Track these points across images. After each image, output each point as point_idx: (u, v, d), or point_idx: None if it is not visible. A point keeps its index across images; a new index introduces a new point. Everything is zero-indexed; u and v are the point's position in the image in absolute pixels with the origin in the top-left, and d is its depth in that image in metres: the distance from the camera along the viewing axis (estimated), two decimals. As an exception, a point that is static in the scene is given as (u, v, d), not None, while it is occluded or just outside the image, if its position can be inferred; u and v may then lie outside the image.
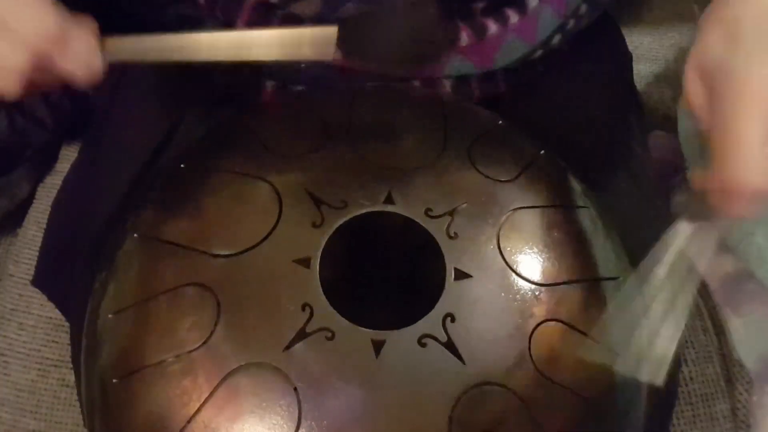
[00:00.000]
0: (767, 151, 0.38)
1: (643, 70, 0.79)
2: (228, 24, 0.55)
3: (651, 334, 0.41)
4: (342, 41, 0.42)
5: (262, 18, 0.54)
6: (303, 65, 0.54)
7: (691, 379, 0.62)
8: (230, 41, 0.44)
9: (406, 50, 0.44)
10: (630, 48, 0.69)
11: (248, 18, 0.54)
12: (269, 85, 0.56)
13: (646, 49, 0.81)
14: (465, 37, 0.54)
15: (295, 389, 0.38)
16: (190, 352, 0.40)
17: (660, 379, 0.41)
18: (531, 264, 0.44)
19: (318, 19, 0.53)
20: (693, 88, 0.42)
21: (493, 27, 0.55)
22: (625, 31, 0.69)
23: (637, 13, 0.83)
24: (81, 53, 0.41)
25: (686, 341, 0.63)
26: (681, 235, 0.42)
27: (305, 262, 0.41)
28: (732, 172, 0.39)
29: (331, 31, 0.43)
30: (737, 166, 0.38)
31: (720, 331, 0.64)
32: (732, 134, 0.39)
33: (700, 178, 0.42)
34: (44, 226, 0.67)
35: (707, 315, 0.64)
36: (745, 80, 0.38)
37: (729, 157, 0.39)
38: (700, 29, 0.42)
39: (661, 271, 0.41)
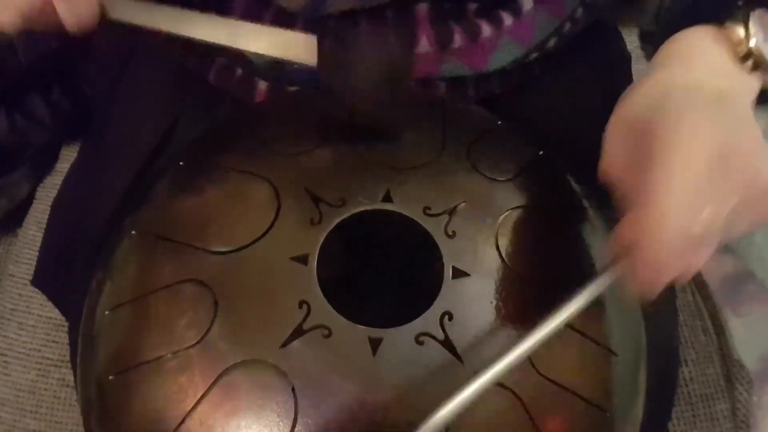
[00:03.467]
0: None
1: (642, 71, 0.79)
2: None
3: None
4: (320, 67, 0.44)
5: (255, 11, 0.54)
6: (295, 65, 0.54)
7: (691, 379, 0.62)
8: (226, 27, 0.46)
9: (377, 83, 0.44)
10: (630, 48, 0.69)
11: (242, 12, 0.54)
12: (262, 84, 0.56)
13: (646, 50, 0.81)
14: (458, 39, 0.54)
15: (292, 386, 0.38)
16: (187, 348, 0.40)
17: None
18: (528, 263, 0.44)
19: (305, 14, 0.53)
20: (612, 154, 0.41)
21: (486, 29, 0.54)
22: (624, 32, 0.69)
23: (637, 13, 0.82)
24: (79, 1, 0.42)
25: (686, 341, 0.63)
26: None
27: (303, 260, 0.41)
28: (648, 249, 0.36)
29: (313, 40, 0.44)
30: (653, 243, 0.35)
31: (720, 331, 0.64)
32: (658, 201, 0.36)
33: (621, 234, 0.38)
34: (44, 226, 0.67)
35: (707, 315, 0.64)
36: (679, 136, 0.36)
37: (647, 231, 0.36)
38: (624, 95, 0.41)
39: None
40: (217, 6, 0.54)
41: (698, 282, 0.66)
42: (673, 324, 0.60)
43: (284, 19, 0.53)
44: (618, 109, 0.41)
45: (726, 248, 0.65)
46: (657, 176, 0.36)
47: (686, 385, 0.62)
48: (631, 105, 0.40)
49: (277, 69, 0.55)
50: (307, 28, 0.53)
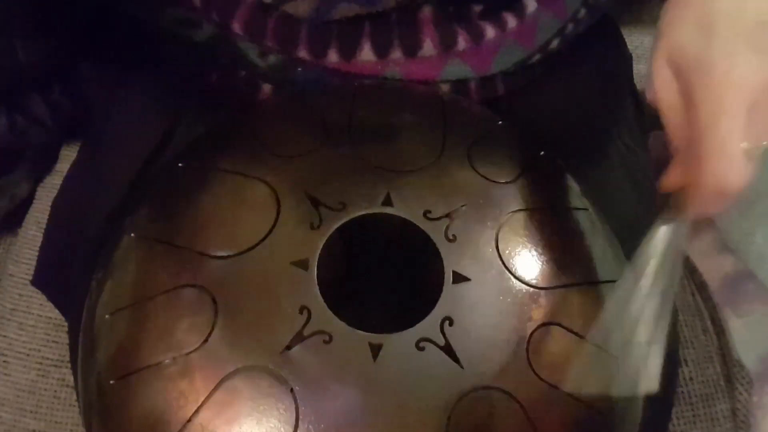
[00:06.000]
0: (744, 148, 0.39)
1: (643, 70, 0.78)
2: (224, 26, 0.54)
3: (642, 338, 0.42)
4: None
5: (258, 19, 0.54)
6: (299, 68, 0.54)
7: (691, 379, 0.62)
8: None
9: None
10: (630, 48, 0.69)
11: (244, 19, 0.54)
12: (266, 87, 0.56)
13: (646, 49, 0.80)
14: (462, 42, 0.54)
15: (293, 392, 0.38)
16: (188, 354, 0.40)
17: (654, 385, 0.41)
18: (529, 267, 0.43)
19: (310, 20, 0.53)
20: (662, 84, 0.42)
21: (490, 31, 0.54)
22: (625, 31, 0.69)
23: (637, 13, 0.82)
24: None
25: (686, 341, 0.63)
26: (661, 234, 0.42)
27: (303, 264, 0.41)
28: (713, 172, 0.39)
29: None
30: (719, 166, 0.39)
31: (720, 331, 0.64)
32: (714, 134, 0.39)
33: (674, 177, 0.42)
34: (44, 226, 0.67)
35: (707, 315, 0.64)
36: (726, 74, 0.39)
37: (711, 157, 0.39)
38: (665, 18, 0.43)
39: (648, 270, 0.42)
40: (219, 12, 0.54)
41: (698, 282, 0.66)
42: (673, 324, 0.60)
43: (288, 26, 0.53)
44: (662, 38, 0.43)
45: (726, 248, 0.65)
46: (713, 108, 0.39)
47: (686, 385, 0.61)
48: (676, 36, 0.42)
49: (280, 71, 0.55)
50: (311, 34, 0.53)
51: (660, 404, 0.56)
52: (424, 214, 0.44)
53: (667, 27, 0.42)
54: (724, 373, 0.63)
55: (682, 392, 0.61)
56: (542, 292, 0.43)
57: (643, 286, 0.42)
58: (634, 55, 0.69)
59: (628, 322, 0.42)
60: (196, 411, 0.39)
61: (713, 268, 0.66)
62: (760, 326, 0.63)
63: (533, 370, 0.40)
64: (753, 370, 0.62)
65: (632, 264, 0.43)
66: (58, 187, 0.67)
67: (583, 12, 0.58)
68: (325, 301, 0.40)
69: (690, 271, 0.66)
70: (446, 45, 0.53)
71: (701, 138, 0.39)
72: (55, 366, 0.62)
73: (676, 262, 0.43)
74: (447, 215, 0.44)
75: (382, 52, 0.53)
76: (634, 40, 0.80)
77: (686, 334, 0.63)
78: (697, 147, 0.39)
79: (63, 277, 0.60)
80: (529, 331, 0.41)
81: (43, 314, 0.64)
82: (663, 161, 0.70)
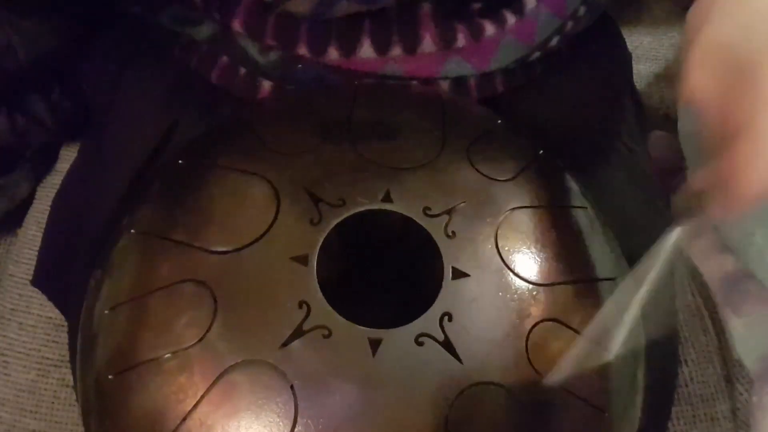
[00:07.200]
0: None
1: (643, 70, 0.79)
2: (225, 24, 0.55)
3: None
4: None
5: (258, 17, 0.54)
6: (300, 65, 0.54)
7: (691, 379, 0.62)
8: None
9: None
10: (630, 48, 0.69)
11: (244, 18, 0.54)
12: (266, 84, 0.56)
13: (646, 49, 0.81)
14: (461, 39, 0.54)
15: (292, 387, 0.38)
16: (187, 348, 0.40)
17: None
18: (528, 264, 0.44)
19: (309, 18, 0.53)
20: (700, 80, 0.40)
21: (490, 28, 0.54)
22: (625, 31, 0.69)
23: (637, 13, 0.82)
24: None
25: (686, 341, 0.63)
26: (675, 237, 0.42)
27: (302, 260, 0.41)
28: (747, 173, 0.37)
29: None
30: (755, 167, 0.37)
31: (720, 331, 0.64)
32: (754, 131, 0.37)
33: (700, 178, 0.40)
34: (44, 226, 0.67)
35: (707, 315, 0.64)
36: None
37: (747, 155, 0.37)
38: (696, 12, 0.41)
39: (653, 273, 0.41)
40: (219, 11, 0.54)
41: (698, 282, 0.66)
42: (673, 324, 0.60)
43: (288, 24, 0.53)
44: (703, 31, 0.40)
45: (726, 248, 0.65)
46: (755, 104, 0.37)
47: (686, 385, 0.61)
48: (720, 29, 0.40)
49: (281, 68, 0.55)
50: (311, 31, 0.53)
51: (660, 404, 0.56)
52: (424, 211, 0.44)
53: (708, 19, 0.40)
54: (724, 373, 0.62)
55: (682, 392, 0.61)
56: (541, 288, 0.43)
57: (644, 290, 0.42)
58: (634, 55, 0.70)
59: (627, 321, 0.42)
60: (195, 405, 0.39)
61: (713, 268, 0.66)
62: (760, 326, 0.63)
63: (532, 366, 0.40)
64: (753, 370, 0.62)
65: (638, 267, 0.42)
66: (58, 187, 0.67)
67: (582, 10, 0.58)
68: (324, 297, 0.40)
69: (690, 271, 0.66)
70: (446, 42, 0.54)
71: (739, 135, 0.37)
72: (55, 366, 0.62)
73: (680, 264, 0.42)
74: (447, 212, 0.44)
75: (381, 48, 0.53)
76: (634, 40, 0.80)
77: (686, 334, 0.63)
78: (733, 145, 0.38)
79: (63, 277, 0.60)
80: (527, 327, 0.41)
81: (43, 314, 0.64)
82: (663, 161, 0.70)
